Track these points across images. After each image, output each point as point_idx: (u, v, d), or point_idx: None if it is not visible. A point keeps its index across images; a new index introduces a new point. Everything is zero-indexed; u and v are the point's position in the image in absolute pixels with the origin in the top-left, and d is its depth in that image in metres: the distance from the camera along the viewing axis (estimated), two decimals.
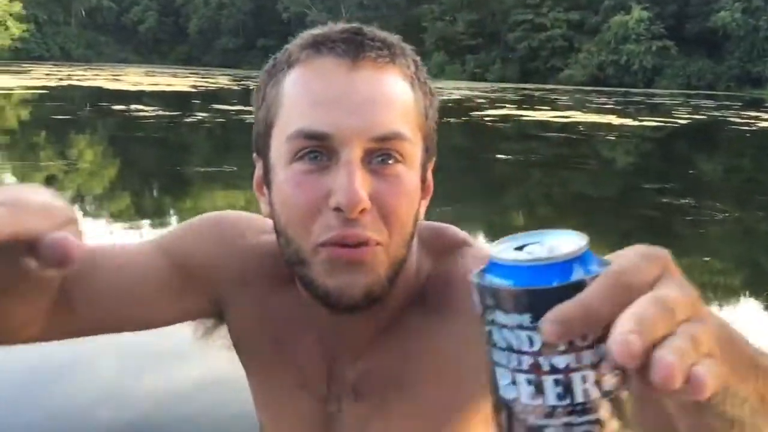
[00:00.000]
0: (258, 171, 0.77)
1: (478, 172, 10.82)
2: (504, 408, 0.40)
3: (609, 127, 18.08)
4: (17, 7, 67.41)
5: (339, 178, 0.65)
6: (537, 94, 36.37)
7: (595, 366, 0.37)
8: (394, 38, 0.73)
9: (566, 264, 0.38)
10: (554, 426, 0.38)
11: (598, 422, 0.37)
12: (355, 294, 0.68)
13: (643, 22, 51.08)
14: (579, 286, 0.37)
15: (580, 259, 0.38)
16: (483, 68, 59.47)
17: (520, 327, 0.38)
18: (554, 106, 26.55)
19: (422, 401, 0.76)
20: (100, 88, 25.07)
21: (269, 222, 0.79)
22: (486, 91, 37.19)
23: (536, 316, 0.37)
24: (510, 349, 0.39)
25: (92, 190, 8.06)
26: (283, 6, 67.40)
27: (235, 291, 0.84)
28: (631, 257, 0.38)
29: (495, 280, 0.39)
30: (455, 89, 38.89)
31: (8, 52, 66.81)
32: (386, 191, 0.67)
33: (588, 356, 0.37)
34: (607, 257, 0.40)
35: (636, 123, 19.41)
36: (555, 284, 0.37)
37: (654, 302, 0.35)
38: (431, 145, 0.74)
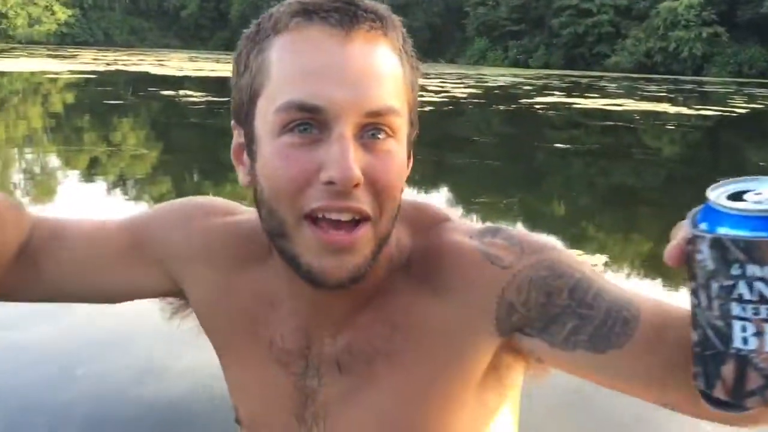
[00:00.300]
0: (237, 139, 0.74)
1: (537, 161, 10.49)
2: (735, 359, 0.42)
3: (665, 115, 17.53)
4: None
5: (332, 153, 0.63)
6: (584, 81, 35.65)
7: None
8: (384, 9, 0.69)
9: None
10: None
11: None
12: (342, 276, 0.67)
13: (693, 8, 49.70)
14: None
15: None
16: (526, 54, 58.61)
17: None
18: (604, 93, 25.93)
19: (413, 373, 0.75)
20: (146, 73, 25.22)
21: (237, 205, 0.85)
22: (530, 78, 36.58)
23: None
24: (762, 300, 0.39)
25: (156, 174, 7.97)
26: None
27: (196, 270, 0.84)
28: None
29: (746, 234, 0.39)
30: (499, 76, 38.34)
31: (54, 36, 67.93)
32: (378, 166, 0.66)
33: None
34: None
35: (692, 112, 18.79)
36: None
37: None
38: (415, 119, 0.73)
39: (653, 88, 31.17)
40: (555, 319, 0.70)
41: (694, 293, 0.46)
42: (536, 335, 0.71)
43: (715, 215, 0.42)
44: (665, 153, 11.91)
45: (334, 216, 0.65)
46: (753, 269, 0.39)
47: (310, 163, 0.64)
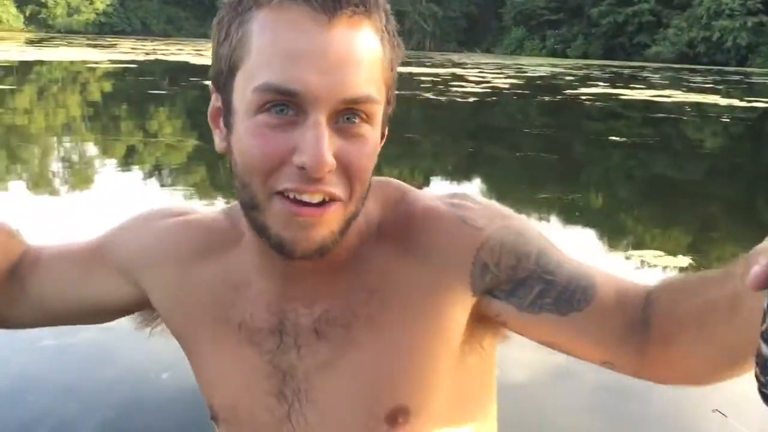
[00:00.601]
0: (215, 103, 0.75)
1: (595, 155, 10.14)
2: None
3: (716, 108, 16.97)
4: None
5: (306, 138, 0.65)
6: (626, 72, 34.90)
7: None
8: None
9: None
10: None
11: None
12: (309, 247, 0.69)
13: None
14: None
15: None
16: (564, 44, 57.73)
17: None
18: (648, 84, 25.29)
19: (393, 335, 0.77)
20: (186, 63, 25.21)
21: (194, 207, 0.92)
22: (570, 69, 35.92)
23: None
24: None
25: (194, 163, 7.83)
26: None
27: (154, 270, 0.86)
28: None
29: None
30: (538, 66, 37.73)
31: (92, 26, 68.68)
32: (351, 151, 0.67)
33: None
34: None
35: (744, 104, 18.16)
36: None
37: None
38: (392, 96, 0.74)
39: (698, 79, 30.36)
40: (523, 283, 0.75)
41: None
42: (504, 298, 0.76)
43: None
44: (729, 148, 11.44)
45: (305, 198, 0.67)
46: None
47: (284, 145, 0.65)
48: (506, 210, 0.80)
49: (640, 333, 0.73)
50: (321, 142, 0.64)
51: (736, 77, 32.89)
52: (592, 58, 52.41)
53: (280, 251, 0.70)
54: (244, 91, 0.67)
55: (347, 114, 0.67)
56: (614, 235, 5.73)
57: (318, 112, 0.65)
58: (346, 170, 0.67)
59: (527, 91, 20.53)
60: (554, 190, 7.23)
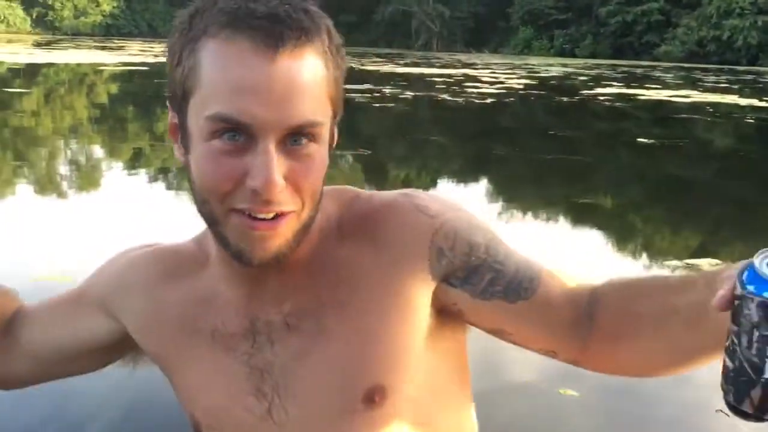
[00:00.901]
0: (173, 119, 0.79)
1: (630, 158, 9.91)
2: (763, 386, 0.56)
3: (738, 108, 16.73)
4: None
5: (257, 164, 0.70)
6: (637, 71, 34.62)
7: None
8: (312, 13, 0.73)
9: None
10: None
11: None
12: (265, 256, 0.74)
13: None
14: None
15: None
16: (572, 44, 57.45)
17: None
18: (664, 84, 25.03)
19: (362, 321, 0.80)
20: None
21: (157, 241, 0.96)
22: (581, 68, 35.64)
23: None
24: None
25: None
26: None
27: (127, 299, 0.90)
28: None
29: None
30: (548, 66, 37.47)
31: (99, 27, 68.66)
32: (300, 170, 0.72)
33: None
34: None
35: (764, 104, 17.88)
36: None
37: None
38: (339, 106, 0.78)
39: (711, 78, 30.07)
40: (475, 271, 0.81)
41: (736, 335, 0.58)
42: (460, 286, 0.81)
43: (762, 281, 0.55)
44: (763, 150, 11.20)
45: (259, 216, 0.72)
46: None
47: (237, 169, 0.70)
48: (456, 203, 0.86)
49: (584, 326, 0.79)
50: (270, 168, 0.69)
51: (749, 77, 32.57)
52: (601, 57, 52.10)
53: (239, 260, 0.76)
54: (197, 116, 0.72)
55: (294, 137, 0.71)
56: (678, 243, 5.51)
57: (267, 140, 0.69)
58: (296, 187, 0.72)
59: (543, 92, 20.30)
60: (595, 192, 7.02)
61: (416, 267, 0.80)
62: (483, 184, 7.87)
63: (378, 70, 27.07)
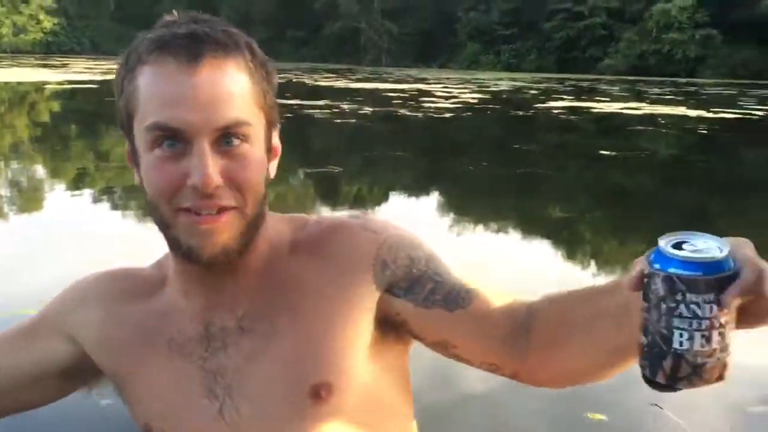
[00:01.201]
0: (127, 147, 0.87)
1: (592, 170, 10.03)
2: (673, 356, 0.62)
3: (690, 119, 17.18)
4: (49, 1, 67.39)
5: (194, 164, 0.78)
6: (584, 84, 35.37)
7: (731, 321, 0.62)
8: (230, 32, 0.82)
9: (727, 258, 0.61)
10: (712, 360, 0.61)
11: (727, 349, 0.62)
12: (214, 250, 0.80)
13: (686, 10, 49.64)
14: (737, 272, 0.61)
15: (729, 254, 0.62)
16: (518, 58, 58.41)
17: (705, 301, 0.60)
18: (613, 97, 25.61)
19: (312, 325, 0.86)
20: None
21: (114, 266, 1.01)
22: (530, 82, 36.25)
23: (718, 293, 0.60)
24: (694, 317, 0.60)
25: None
26: None
27: (83, 318, 0.94)
28: (748, 250, 0.64)
29: (687, 273, 0.61)
30: (498, 80, 37.99)
31: (40, 45, 66.92)
32: (235, 167, 0.80)
33: (732, 315, 0.62)
34: (729, 241, 0.64)
35: (713, 115, 18.40)
36: (729, 272, 0.61)
37: None
38: (273, 117, 0.87)
39: (656, 90, 30.92)
40: (417, 281, 0.88)
41: (647, 310, 0.64)
42: (403, 296, 0.87)
43: (665, 258, 0.61)
44: (721, 158, 11.48)
45: (203, 212, 0.79)
46: (690, 296, 0.60)
47: (178, 173, 0.78)
48: (398, 225, 0.93)
49: (522, 338, 0.84)
50: (206, 165, 0.77)
51: (691, 88, 33.58)
52: (547, 71, 53.07)
53: (189, 258, 0.82)
54: (139, 132, 0.81)
55: (226, 138, 0.79)
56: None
57: (200, 141, 0.77)
58: (234, 184, 0.80)
59: (498, 106, 20.54)
60: (552, 203, 7.04)
61: (361, 278, 0.87)
62: (448, 197, 7.86)
63: (332, 86, 27.05)
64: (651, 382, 0.64)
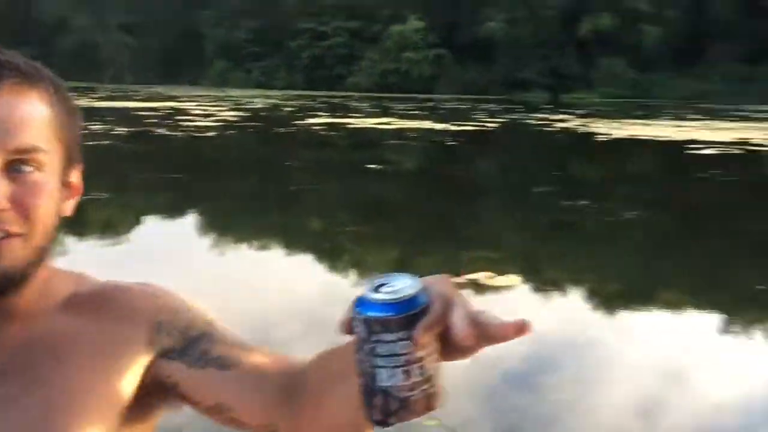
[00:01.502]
0: None
1: (354, 184, 10.46)
2: (381, 393, 0.65)
3: (437, 133, 18.59)
4: None
5: None
6: (335, 101, 36.70)
7: (431, 354, 0.65)
8: (31, 67, 0.83)
9: (418, 295, 0.64)
10: (416, 393, 0.65)
11: (431, 381, 0.65)
12: None
13: (419, 32, 53.78)
14: (427, 307, 0.64)
15: (421, 290, 0.65)
16: (268, 76, 58.98)
17: (400, 339, 0.64)
18: (365, 113, 26.91)
19: (74, 378, 0.85)
20: None
21: None
22: (283, 99, 36.82)
23: (410, 330, 0.63)
24: (392, 354, 0.64)
25: None
26: (41, 9, 61.46)
27: None
28: (442, 285, 0.67)
29: (380, 314, 0.64)
30: (252, 97, 38.05)
31: None
32: (23, 194, 0.79)
33: (430, 349, 0.65)
34: (428, 279, 0.67)
35: (456, 128, 20.06)
36: (419, 308, 0.64)
37: (465, 310, 0.65)
38: (75, 153, 0.88)
39: (400, 106, 33.01)
40: (193, 341, 0.88)
41: (356, 352, 0.66)
42: (178, 357, 0.88)
43: (365, 303, 0.64)
44: (479, 165, 12.55)
45: None
46: (385, 336, 0.64)
47: None
48: (178, 292, 0.96)
49: (296, 396, 0.85)
50: None
51: (431, 104, 36.38)
52: (297, 88, 54.18)
53: None
54: None
55: (18, 164, 0.79)
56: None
57: None
58: (21, 210, 0.79)
59: (259, 123, 20.60)
60: (315, 217, 7.29)
61: (135, 336, 0.88)
62: (212, 217, 7.77)
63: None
64: (371, 420, 0.68)
